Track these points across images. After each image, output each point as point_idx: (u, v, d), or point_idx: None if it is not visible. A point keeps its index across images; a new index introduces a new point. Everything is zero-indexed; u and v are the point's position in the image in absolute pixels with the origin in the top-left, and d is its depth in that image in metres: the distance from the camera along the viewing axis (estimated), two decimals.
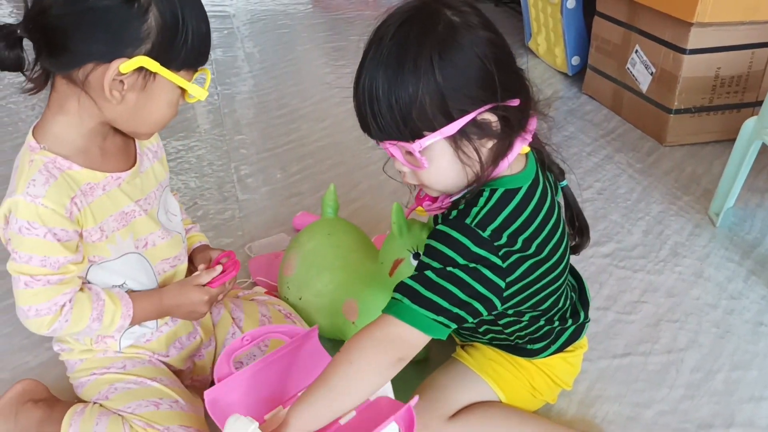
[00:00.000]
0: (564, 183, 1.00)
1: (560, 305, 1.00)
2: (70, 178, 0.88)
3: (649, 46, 2.00)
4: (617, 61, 2.15)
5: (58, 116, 0.86)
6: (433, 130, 0.80)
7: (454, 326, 0.84)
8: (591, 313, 1.31)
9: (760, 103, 1.92)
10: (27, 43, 0.82)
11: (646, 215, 1.66)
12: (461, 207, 0.87)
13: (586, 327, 1.07)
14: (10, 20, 2.56)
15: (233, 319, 1.13)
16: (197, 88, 0.88)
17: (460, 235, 0.84)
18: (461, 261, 0.83)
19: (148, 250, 0.99)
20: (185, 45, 0.84)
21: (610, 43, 2.18)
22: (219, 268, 1.05)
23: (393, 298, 0.85)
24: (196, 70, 0.89)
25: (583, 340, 1.09)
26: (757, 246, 1.54)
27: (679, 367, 1.21)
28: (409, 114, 0.79)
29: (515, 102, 0.83)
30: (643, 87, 2.05)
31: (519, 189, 0.87)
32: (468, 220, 0.85)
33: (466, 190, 0.88)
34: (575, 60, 2.43)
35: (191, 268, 1.11)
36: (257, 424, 0.83)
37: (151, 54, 0.82)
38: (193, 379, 1.09)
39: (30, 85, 0.85)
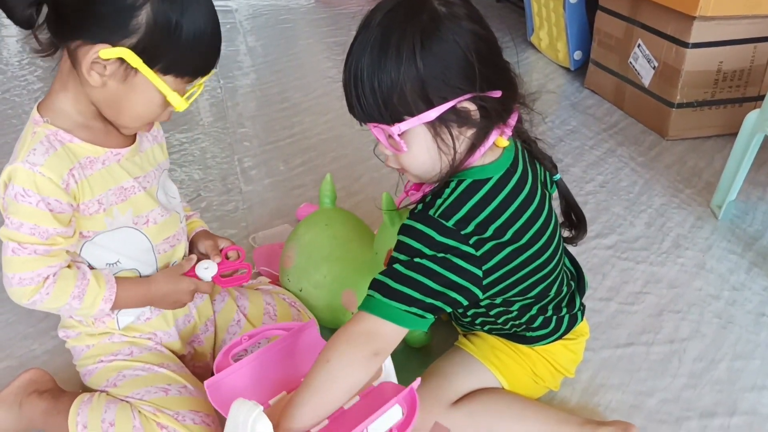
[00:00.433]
0: (557, 176, 1.01)
1: (553, 293, 1.00)
2: (70, 150, 0.90)
3: (651, 40, 2.00)
4: (619, 56, 2.16)
5: (60, 93, 0.88)
6: (413, 115, 0.83)
7: (430, 316, 0.86)
8: (594, 304, 1.33)
9: (762, 98, 1.92)
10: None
11: (648, 208, 1.66)
12: (428, 199, 0.89)
13: (581, 313, 1.07)
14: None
15: (237, 306, 1.14)
16: (176, 97, 0.87)
17: (424, 226, 0.86)
18: (428, 252, 0.85)
19: (150, 227, 1.00)
20: (174, 52, 0.84)
21: (612, 38, 2.18)
22: (215, 263, 1.06)
23: (367, 294, 0.86)
24: (190, 80, 0.89)
25: (585, 328, 1.10)
26: (759, 238, 1.54)
27: (681, 356, 1.22)
28: (390, 98, 0.82)
29: (496, 93, 0.85)
30: (646, 81, 2.05)
31: (488, 179, 0.88)
32: (432, 212, 0.87)
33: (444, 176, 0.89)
34: (577, 55, 2.43)
35: (192, 253, 1.11)
36: (262, 408, 0.83)
37: (136, 49, 0.82)
38: (195, 366, 1.10)
39: (37, 48, 0.87)
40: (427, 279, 0.84)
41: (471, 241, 0.86)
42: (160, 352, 1.04)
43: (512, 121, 0.90)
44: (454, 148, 0.85)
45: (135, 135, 0.98)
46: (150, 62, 0.84)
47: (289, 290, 1.24)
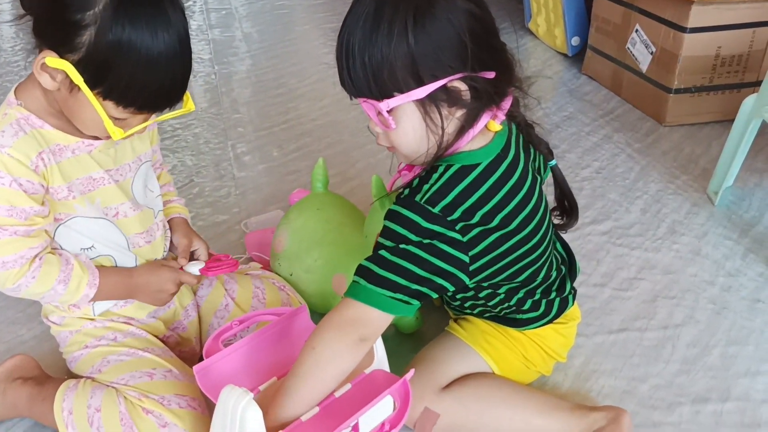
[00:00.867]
0: (552, 162, 1.00)
1: (541, 278, 0.99)
2: (40, 135, 0.89)
3: (649, 25, 1.98)
4: (617, 41, 2.14)
5: (36, 79, 0.87)
6: (402, 91, 0.82)
7: (415, 302, 0.85)
8: (588, 290, 1.32)
9: (760, 83, 1.90)
10: None
11: (644, 194, 1.65)
12: (414, 184, 0.88)
13: (572, 297, 1.06)
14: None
15: (226, 290, 1.13)
16: (111, 125, 0.85)
17: (410, 212, 0.85)
18: (414, 238, 0.84)
19: (120, 220, 0.99)
20: (117, 80, 0.82)
21: (610, 23, 2.16)
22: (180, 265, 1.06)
23: (353, 281, 0.86)
24: (137, 112, 0.87)
25: (576, 312, 1.09)
26: (755, 224, 1.53)
27: (675, 342, 1.21)
28: (380, 73, 0.81)
29: (489, 75, 0.84)
30: (643, 67, 2.03)
31: (477, 165, 0.87)
32: (418, 197, 0.86)
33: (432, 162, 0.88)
34: (575, 40, 2.41)
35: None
36: (252, 395, 0.82)
37: (79, 66, 0.81)
38: (180, 351, 1.09)
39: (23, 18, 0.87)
40: (413, 265, 0.84)
41: (457, 227, 0.85)
42: (143, 337, 1.03)
43: (505, 104, 0.89)
44: (443, 128, 0.84)
45: None
46: (91, 83, 0.82)
47: (279, 275, 1.23)
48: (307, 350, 0.84)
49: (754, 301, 1.31)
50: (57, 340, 1.05)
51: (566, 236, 1.13)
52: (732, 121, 1.56)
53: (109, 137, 0.88)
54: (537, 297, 1.00)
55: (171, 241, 1.11)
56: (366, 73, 0.82)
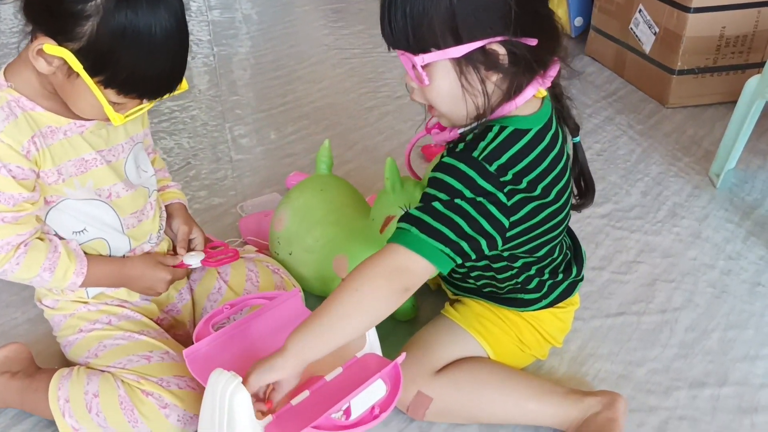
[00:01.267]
0: (577, 139, 0.99)
1: (554, 256, 1.00)
2: (31, 118, 0.88)
3: (652, 5, 1.95)
4: (620, 22, 2.11)
5: (28, 60, 0.85)
6: (439, 48, 0.81)
7: (458, 260, 0.84)
8: (586, 273, 1.30)
9: (765, 64, 1.87)
10: None
11: (645, 176, 1.63)
12: (469, 138, 0.87)
13: (579, 285, 1.06)
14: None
15: (219, 273, 1.12)
16: (111, 111, 0.85)
17: (467, 167, 0.84)
18: (468, 194, 0.83)
19: (114, 201, 0.98)
20: (118, 70, 0.82)
21: (613, 3, 2.13)
22: (178, 259, 1.06)
23: (399, 228, 0.84)
24: (138, 99, 0.87)
25: (575, 298, 1.08)
26: (757, 207, 1.51)
27: (673, 326, 1.20)
28: (419, 26, 0.80)
29: (531, 41, 0.82)
30: (646, 48, 2.00)
31: (529, 130, 0.87)
32: (476, 153, 0.85)
33: (474, 124, 0.87)
34: (578, 21, 2.37)
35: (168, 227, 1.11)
36: (240, 379, 0.82)
37: (80, 54, 0.80)
38: (175, 334, 1.08)
39: None
40: (463, 221, 0.83)
41: (505, 190, 0.84)
42: (138, 320, 1.02)
43: (552, 72, 0.88)
44: (484, 93, 0.84)
45: None
46: (92, 71, 0.82)
47: (277, 254, 1.22)
48: (347, 291, 0.82)
49: (755, 284, 1.29)
50: (51, 324, 1.05)
51: None
52: (736, 102, 1.53)
53: (106, 119, 0.87)
54: (545, 277, 1.00)
55: (170, 228, 1.11)
56: (405, 25, 0.81)
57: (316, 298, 1.19)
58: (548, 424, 0.99)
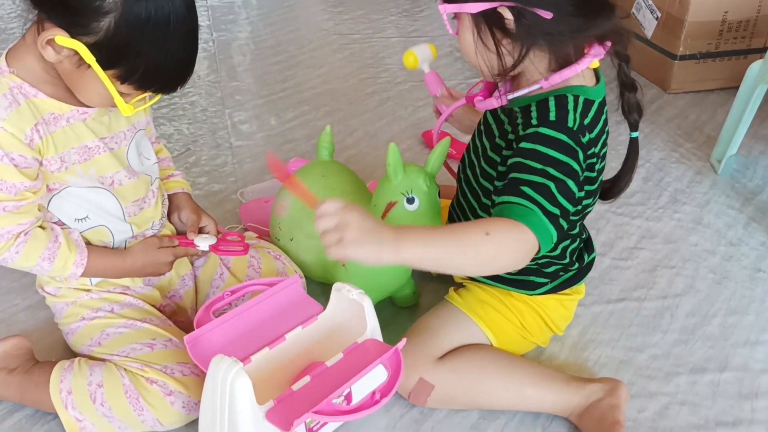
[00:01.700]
0: (635, 134, 0.97)
1: (584, 236, 1.04)
2: (34, 105, 0.87)
3: None
4: (622, 6, 2.09)
5: (31, 46, 0.85)
6: (458, 1, 0.87)
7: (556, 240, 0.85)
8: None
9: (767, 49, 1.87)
10: None
11: (647, 162, 1.63)
12: (552, 104, 0.86)
13: (587, 275, 1.07)
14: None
15: (221, 259, 1.12)
16: (122, 103, 0.86)
17: (569, 138, 0.85)
18: (575, 166, 0.85)
19: (116, 189, 0.98)
20: (134, 66, 0.82)
21: None
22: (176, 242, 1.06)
23: (520, 204, 0.82)
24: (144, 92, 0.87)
25: (581, 287, 1.09)
26: (758, 193, 1.51)
27: (674, 312, 1.20)
28: None
29: (546, 14, 0.83)
30: (648, 32, 1.99)
31: (594, 101, 0.89)
32: (570, 124, 0.86)
33: (524, 90, 0.90)
34: None
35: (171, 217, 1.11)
36: (241, 365, 0.82)
37: (93, 48, 0.80)
38: (177, 320, 1.08)
39: None
40: (571, 205, 0.85)
41: (586, 163, 0.88)
42: (140, 308, 1.02)
43: (594, 51, 0.89)
44: (498, 54, 0.87)
45: None
46: (105, 65, 0.81)
47: (278, 240, 1.22)
48: (478, 232, 0.80)
49: (755, 270, 1.29)
50: (52, 311, 1.05)
51: None
52: (738, 88, 1.53)
53: (113, 106, 0.87)
54: (566, 260, 1.01)
55: (180, 219, 1.11)
56: None
57: (317, 284, 1.19)
58: (550, 410, 0.99)
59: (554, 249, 0.98)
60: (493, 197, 0.94)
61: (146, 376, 0.92)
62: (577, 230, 1.00)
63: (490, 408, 1.00)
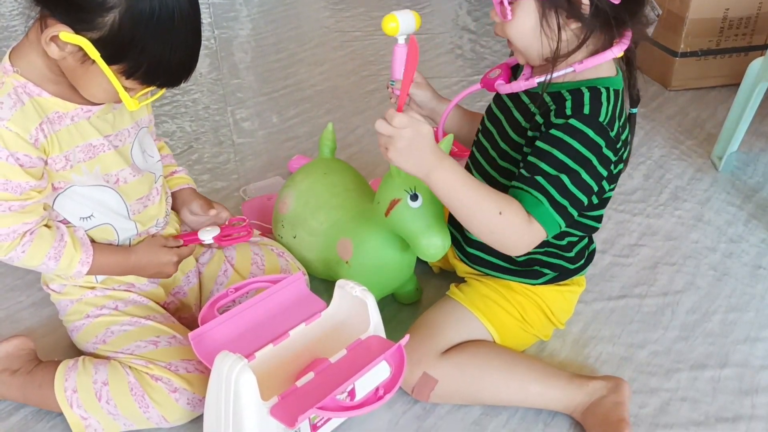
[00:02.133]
0: (634, 110, 1.00)
1: (585, 240, 1.06)
2: (38, 104, 0.88)
3: None
4: None
5: (34, 44, 0.85)
6: None
7: (563, 227, 0.90)
8: None
9: None
10: None
11: (648, 159, 1.63)
12: (587, 97, 0.88)
13: (587, 269, 1.08)
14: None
15: (225, 257, 1.13)
16: (127, 97, 0.86)
17: (595, 134, 0.87)
18: (597, 163, 0.88)
19: (121, 186, 0.99)
20: (138, 61, 0.82)
21: None
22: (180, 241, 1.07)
23: (530, 194, 0.88)
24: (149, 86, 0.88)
25: (582, 279, 1.10)
26: (759, 190, 1.52)
27: (674, 308, 1.21)
28: None
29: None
30: (649, 30, 1.99)
31: (619, 91, 0.91)
32: (602, 117, 0.88)
33: (567, 70, 0.90)
34: None
35: (176, 211, 1.12)
36: (246, 361, 0.83)
37: (98, 44, 0.81)
38: (180, 317, 1.09)
39: None
40: (585, 197, 0.88)
41: (616, 157, 0.91)
42: (144, 305, 1.03)
43: (626, 37, 0.90)
44: (559, 37, 0.87)
45: None
46: (110, 60, 0.82)
47: (281, 237, 1.23)
48: (491, 208, 0.87)
49: (756, 267, 1.30)
50: (57, 308, 1.05)
51: None
52: (739, 85, 1.53)
53: (117, 102, 0.88)
54: (571, 254, 1.03)
55: (190, 213, 1.11)
56: None
57: (320, 281, 1.19)
58: (553, 407, 1.00)
59: (565, 245, 1.02)
60: (517, 174, 0.96)
61: (151, 373, 0.93)
62: (599, 225, 1.03)
63: (493, 404, 1.01)
